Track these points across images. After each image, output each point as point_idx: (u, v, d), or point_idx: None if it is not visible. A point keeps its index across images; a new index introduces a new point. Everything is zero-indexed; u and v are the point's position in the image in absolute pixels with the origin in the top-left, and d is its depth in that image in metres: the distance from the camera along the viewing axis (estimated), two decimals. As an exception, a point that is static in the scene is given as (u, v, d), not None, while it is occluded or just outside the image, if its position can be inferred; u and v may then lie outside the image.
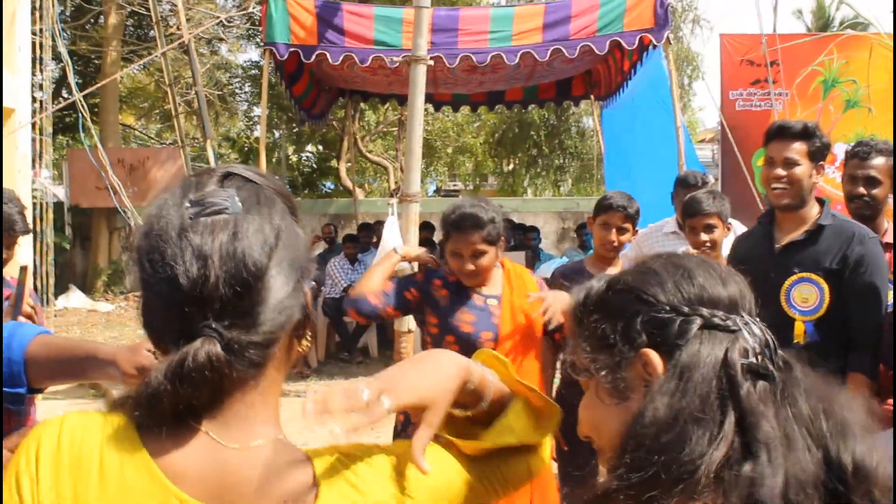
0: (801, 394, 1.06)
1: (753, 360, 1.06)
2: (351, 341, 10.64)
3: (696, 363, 1.05)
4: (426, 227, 11.13)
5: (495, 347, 3.33)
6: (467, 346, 3.34)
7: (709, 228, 4.13)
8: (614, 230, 4.01)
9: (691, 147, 10.17)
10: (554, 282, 4.16)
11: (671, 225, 5.39)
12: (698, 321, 1.08)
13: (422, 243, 8.52)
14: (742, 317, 1.10)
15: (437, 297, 3.46)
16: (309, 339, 1.21)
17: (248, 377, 1.09)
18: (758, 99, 10.50)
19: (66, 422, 1.10)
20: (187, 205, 1.11)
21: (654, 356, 1.09)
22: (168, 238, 1.08)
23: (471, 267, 3.35)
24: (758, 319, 1.12)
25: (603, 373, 1.15)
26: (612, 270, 3.99)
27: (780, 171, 3.47)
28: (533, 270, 9.96)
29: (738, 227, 5.40)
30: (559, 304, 3.27)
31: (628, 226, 4.03)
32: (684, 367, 1.06)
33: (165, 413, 1.05)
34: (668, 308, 1.11)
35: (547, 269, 9.47)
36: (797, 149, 3.45)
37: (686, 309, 1.10)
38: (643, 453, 1.01)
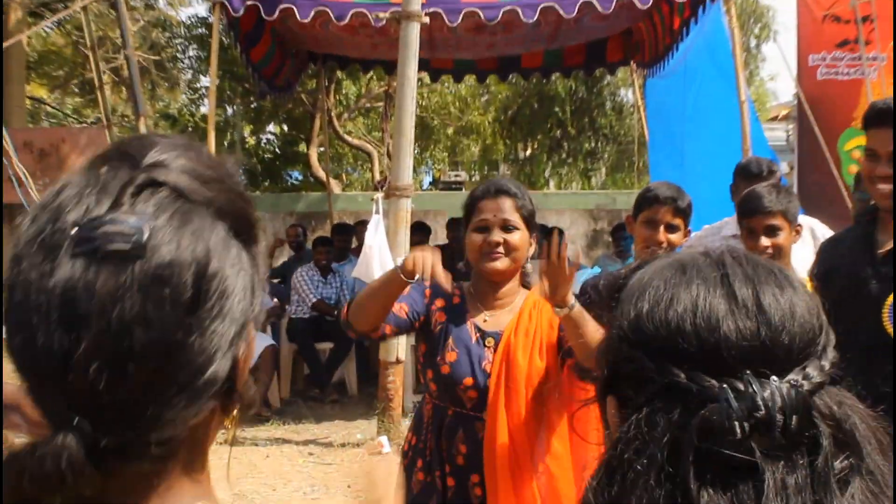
0: (829, 487, 1.01)
1: (731, 443, 1.00)
2: (323, 374, 10.62)
3: (635, 442, 1.04)
4: (419, 230, 11.12)
5: (476, 397, 3.33)
6: (446, 391, 3.39)
7: (771, 231, 4.10)
8: (661, 228, 3.99)
9: (759, 127, 10.17)
10: (582, 297, 4.14)
11: (732, 226, 5.37)
12: (658, 383, 1.06)
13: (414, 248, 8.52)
14: (733, 378, 1.03)
15: (432, 320, 3.48)
16: (234, 418, 1.10)
17: (141, 473, 1.00)
18: (845, 65, 10.51)
19: None
20: (73, 231, 0.96)
21: (611, 409, 1.12)
22: (33, 278, 0.95)
23: (498, 238, 3.36)
24: (764, 380, 1.03)
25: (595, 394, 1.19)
26: None
27: (887, 169, 3.44)
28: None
29: (819, 230, 5.40)
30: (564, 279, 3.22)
31: (678, 222, 4.01)
32: (624, 442, 1.05)
33: None
34: (627, 355, 1.10)
35: (574, 282, 9.48)
36: None
37: (646, 362, 1.07)
38: None
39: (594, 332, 3.15)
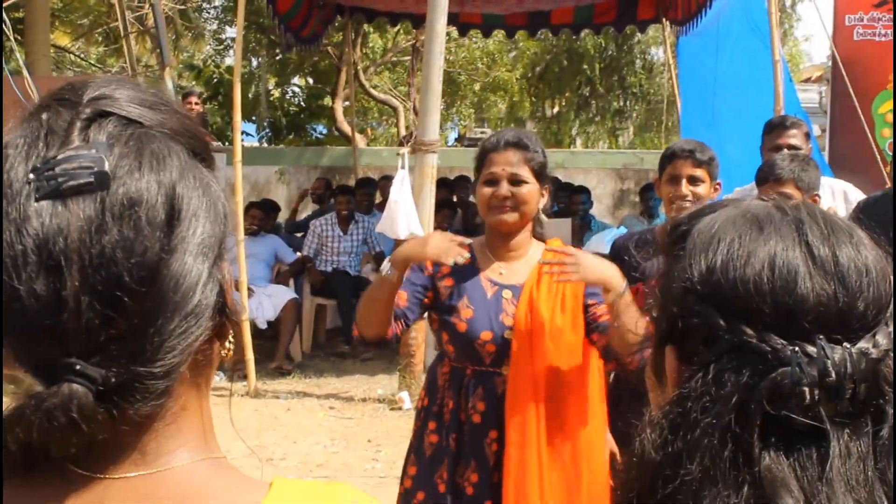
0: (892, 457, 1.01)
1: (799, 407, 0.99)
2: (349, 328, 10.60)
3: (709, 398, 1.02)
4: (445, 186, 11.12)
5: (494, 350, 3.33)
6: (464, 349, 3.39)
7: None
8: (684, 181, 3.97)
9: (792, 88, 10.09)
10: (617, 255, 4.13)
11: (765, 189, 5.37)
12: (728, 342, 1.04)
13: (439, 205, 8.51)
14: (805, 341, 1.01)
15: (440, 290, 3.48)
16: (232, 339, 1.10)
17: (147, 411, 0.98)
18: (882, 26, 10.38)
19: None
20: (30, 175, 0.94)
21: (672, 362, 1.11)
22: (4, 236, 0.93)
23: (506, 191, 3.36)
24: (838, 346, 1.02)
25: (654, 345, 1.17)
26: None
27: None
28: (582, 242, 10.00)
29: (853, 193, 5.38)
30: (589, 267, 3.21)
31: (701, 173, 3.98)
32: (693, 398, 1.04)
33: (18, 462, 0.96)
34: (696, 310, 1.07)
35: (599, 241, 9.47)
36: None
37: (716, 318, 1.05)
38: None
39: (636, 320, 3.09)
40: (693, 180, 3.98)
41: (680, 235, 1.16)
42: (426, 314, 3.57)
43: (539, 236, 3.55)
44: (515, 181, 3.38)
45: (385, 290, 3.34)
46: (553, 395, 3.32)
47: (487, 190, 3.41)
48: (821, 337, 1.01)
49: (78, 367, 0.92)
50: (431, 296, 3.49)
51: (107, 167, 0.94)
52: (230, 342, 1.09)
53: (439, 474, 3.38)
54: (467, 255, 3.34)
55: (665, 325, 1.13)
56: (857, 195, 5.37)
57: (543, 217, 3.56)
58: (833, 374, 0.99)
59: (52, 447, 0.93)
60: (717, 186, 4.08)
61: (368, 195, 11.59)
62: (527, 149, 3.41)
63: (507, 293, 3.42)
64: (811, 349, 1.00)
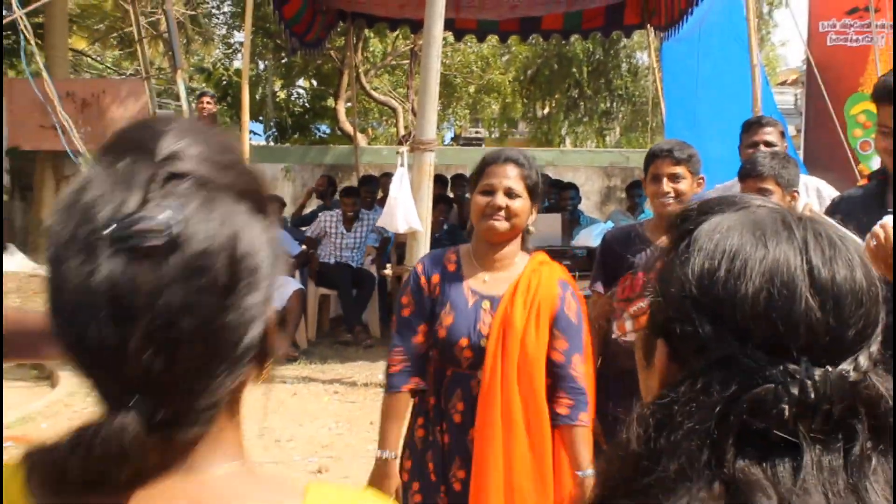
0: (863, 472, 1.01)
1: (777, 422, 1.00)
2: (354, 316, 10.62)
3: (690, 406, 1.03)
4: (441, 182, 11.13)
5: (472, 356, 3.37)
6: (445, 353, 3.43)
7: (762, 194, 4.08)
8: (664, 179, 3.99)
9: (769, 90, 10.11)
10: (605, 248, 4.15)
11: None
12: (717, 354, 1.04)
13: (436, 200, 8.53)
14: (791, 361, 1.02)
15: (432, 296, 3.51)
16: (269, 366, 1.13)
17: (190, 435, 1.03)
18: (854, 32, 10.40)
19: None
20: (107, 229, 0.96)
21: (661, 354, 1.11)
22: (74, 278, 0.96)
23: (501, 202, 3.38)
24: (819, 368, 1.02)
25: (647, 326, 1.17)
26: None
27: None
28: (571, 236, 10.02)
29: (826, 190, 5.38)
30: None
31: (681, 170, 3.99)
32: (676, 403, 1.04)
33: (69, 488, 0.98)
34: (691, 318, 1.07)
35: (587, 234, 9.48)
36: None
37: (709, 329, 1.05)
38: (619, 494, 1.05)
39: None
40: (674, 178, 3.99)
41: (686, 231, 1.15)
42: None
43: (527, 249, 3.56)
44: (510, 194, 3.40)
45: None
46: (522, 400, 3.35)
47: (483, 199, 3.42)
48: (805, 359, 1.01)
49: (132, 402, 0.96)
50: (431, 310, 3.51)
51: (177, 230, 0.96)
52: (267, 369, 1.12)
53: (426, 464, 3.46)
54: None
55: (660, 320, 1.12)
56: (830, 192, 5.38)
57: (532, 228, 3.57)
58: (812, 395, 1.00)
59: (108, 472, 0.96)
60: (701, 181, 4.09)
61: (371, 192, 11.59)
62: (524, 166, 3.44)
63: (485, 304, 3.43)
64: (794, 368, 1.00)
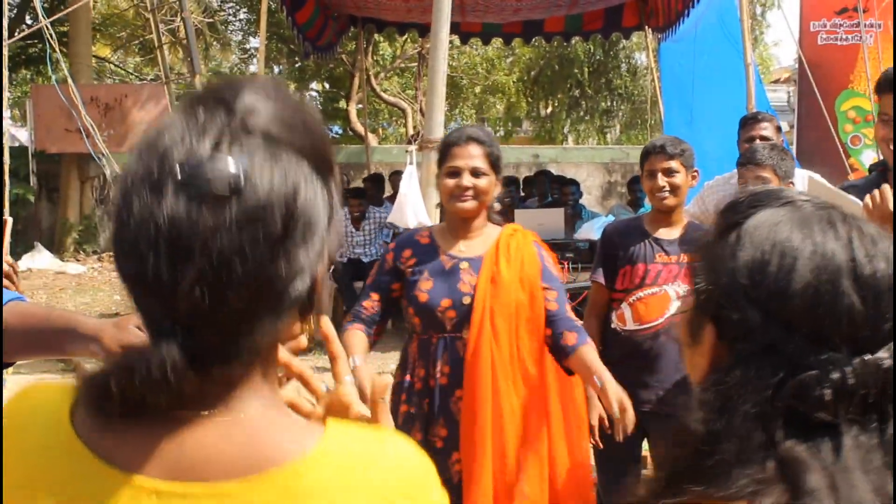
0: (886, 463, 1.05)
1: (818, 405, 1.04)
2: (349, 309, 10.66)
3: (743, 390, 1.07)
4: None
5: (455, 317, 3.40)
6: (428, 319, 3.45)
7: (759, 183, 4.08)
8: (659, 174, 3.98)
9: (762, 88, 10.06)
10: (606, 240, 4.14)
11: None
12: (764, 342, 1.07)
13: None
14: (832, 350, 1.06)
15: (404, 269, 3.54)
16: (313, 322, 1.16)
17: (228, 372, 1.05)
18: (844, 31, 10.37)
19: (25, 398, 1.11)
20: (177, 171, 0.99)
21: (710, 337, 1.14)
22: (140, 215, 0.99)
23: (468, 182, 3.43)
24: (857, 357, 1.06)
25: (693, 304, 1.19)
26: (674, 231, 3.97)
27: None
28: (574, 230, 10.00)
29: (817, 180, 5.36)
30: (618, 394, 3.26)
31: (675, 164, 3.97)
32: (731, 386, 1.08)
33: (115, 411, 1.02)
34: (741, 307, 1.09)
35: (589, 228, 9.45)
36: None
37: (758, 319, 1.08)
38: (684, 474, 1.07)
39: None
40: (668, 172, 3.97)
41: (734, 223, 1.17)
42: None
43: (496, 221, 3.62)
44: (476, 173, 3.45)
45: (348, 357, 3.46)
46: (505, 356, 3.39)
47: (451, 181, 3.47)
48: (845, 348, 1.05)
49: (178, 333, 0.99)
50: (399, 286, 3.55)
51: (241, 180, 0.99)
52: (311, 323, 1.16)
53: (412, 436, 3.37)
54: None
55: (709, 303, 1.14)
56: (824, 183, 5.37)
57: (496, 205, 3.61)
58: (851, 381, 1.03)
59: (148, 396, 0.99)
60: (695, 174, 4.08)
61: (377, 189, 11.61)
62: (485, 144, 3.48)
63: (464, 265, 3.48)
64: (836, 357, 1.04)
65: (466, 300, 3.41)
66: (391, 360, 9.14)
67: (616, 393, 3.22)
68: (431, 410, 3.43)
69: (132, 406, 1.01)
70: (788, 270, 1.08)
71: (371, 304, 3.55)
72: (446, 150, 3.54)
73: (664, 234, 3.99)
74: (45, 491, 1.04)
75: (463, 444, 3.35)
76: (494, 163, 3.49)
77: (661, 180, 3.95)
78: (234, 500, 1.02)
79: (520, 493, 3.38)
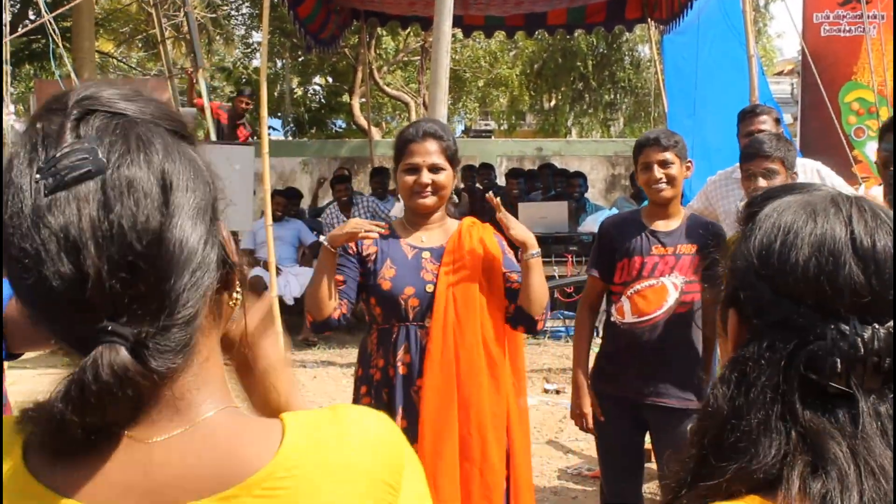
0: None
1: (831, 375, 1.08)
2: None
3: (759, 362, 1.11)
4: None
5: (418, 305, 3.42)
6: (390, 307, 3.46)
7: (769, 174, 4.07)
8: (655, 166, 3.97)
9: (765, 81, 10.05)
10: (603, 234, 4.14)
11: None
12: (776, 316, 1.12)
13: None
14: (841, 321, 1.10)
15: (367, 260, 3.55)
16: (238, 289, 1.13)
17: (174, 367, 1.02)
18: (847, 23, 10.33)
19: None
20: (36, 176, 0.98)
21: (732, 323, 1.18)
22: (22, 230, 0.97)
23: (426, 179, 3.46)
24: (866, 326, 1.10)
25: (721, 301, 1.25)
26: (672, 223, 3.96)
27: None
28: (577, 223, 10.00)
29: (825, 171, 5.37)
30: (515, 225, 3.46)
31: (669, 156, 3.97)
32: (752, 361, 1.12)
33: (77, 437, 0.99)
34: (753, 285, 1.15)
35: (593, 221, 9.46)
36: None
37: (768, 294, 1.13)
38: (714, 452, 1.11)
39: (542, 285, 3.46)
40: (664, 164, 3.97)
41: (751, 214, 1.24)
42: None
43: (452, 215, 3.67)
44: (434, 169, 3.48)
45: (325, 261, 3.46)
46: (470, 344, 3.42)
47: (409, 178, 3.50)
48: (853, 317, 1.09)
49: (110, 328, 0.96)
50: (363, 272, 3.55)
51: (101, 155, 0.98)
52: (237, 293, 1.13)
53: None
54: (382, 229, 3.50)
55: (729, 289, 1.21)
56: (828, 172, 5.37)
57: (455, 198, 3.64)
58: (861, 350, 1.07)
59: (106, 410, 0.96)
60: (689, 164, 4.08)
61: (382, 182, 11.58)
62: (442, 139, 3.52)
63: (426, 254, 3.51)
64: (845, 328, 1.09)
65: (430, 288, 3.44)
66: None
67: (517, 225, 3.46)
68: (391, 400, 3.42)
69: (91, 432, 0.98)
70: (791, 246, 1.14)
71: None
72: (403, 146, 3.56)
73: (661, 226, 3.99)
74: None
75: (425, 433, 3.35)
76: (451, 157, 3.54)
77: (658, 172, 3.95)
78: None
79: (482, 482, 3.41)
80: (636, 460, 4.13)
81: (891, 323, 1.10)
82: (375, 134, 19.52)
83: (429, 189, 3.48)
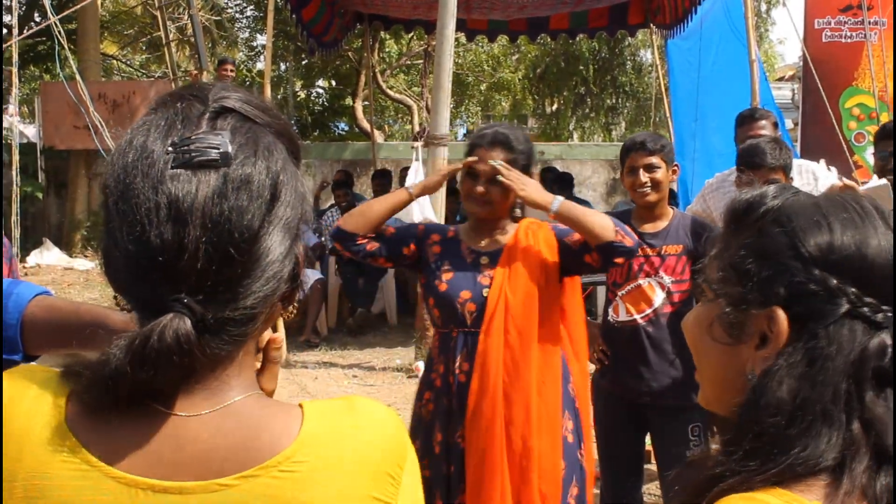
0: None
1: (891, 362, 1.10)
2: (363, 304, 10.60)
3: (831, 353, 1.11)
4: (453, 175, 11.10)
5: (475, 310, 3.34)
6: (447, 310, 3.40)
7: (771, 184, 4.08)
8: (640, 170, 3.97)
9: (767, 86, 10.06)
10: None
11: (739, 173, 5.36)
12: (845, 306, 1.12)
13: (449, 191, 8.53)
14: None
15: (428, 254, 3.50)
16: (295, 305, 1.22)
17: (222, 353, 1.09)
18: (848, 29, 10.35)
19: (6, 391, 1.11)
20: (168, 148, 1.07)
21: (783, 321, 1.16)
22: (140, 189, 1.05)
23: (482, 189, 3.37)
24: None
25: (726, 306, 1.22)
26: (661, 224, 3.97)
27: None
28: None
29: (821, 172, 5.37)
30: (529, 186, 3.39)
31: (656, 160, 3.95)
32: (818, 353, 1.12)
33: (121, 397, 1.04)
34: (818, 278, 1.14)
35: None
36: None
37: (835, 284, 1.13)
38: (766, 444, 1.10)
39: (589, 212, 3.38)
40: (649, 168, 3.97)
41: (761, 214, 1.23)
42: (401, 263, 3.63)
43: (514, 218, 3.55)
44: (494, 179, 3.37)
45: (392, 197, 3.50)
46: (523, 350, 3.31)
47: (469, 183, 3.43)
48: None
49: (186, 300, 1.04)
50: (414, 250, 3.51)
51: (229, 150, 1.08)
52: (294, 306, 1.22)
53: (434, 438, 3.36)
54: (471, 159, 3.44)
55: (770, 289, 1.18)
56: (825, 173, 5.38)
57: (518, 211, 3.58)
58: None
59: (158, 371, 1.03)
60: (676, 169, 4.09)
61: (384, 185, 11.59)
62: (512, 150, 3.40)
63: (484, 259, 3.44)
64: None
65: (486, 293, 3.35)
66: (397, 355, 9.18)
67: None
68: (451, 409, 3.35)
69: (133, 397, 1.04)
70: (857, 241, 1.14)
71: (372, 245, 3.50)
72: (472, 147, 3.47)
73: (649, 227, 4.01)
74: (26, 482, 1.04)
75: (472, 441, 3.26)
76: (521, 170, 3.41)
77: (643, 176, 3.96)
78: (237, 493, 1.05)
79: (537, 492, 3.28)
80: (636, 461, 4.13)
81: None
82: (378, 137, 19.51)
83: (483, 199, 3.40)
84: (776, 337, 1.16)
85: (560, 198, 3.38)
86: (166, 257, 1.04)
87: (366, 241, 3.44)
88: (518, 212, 3.58)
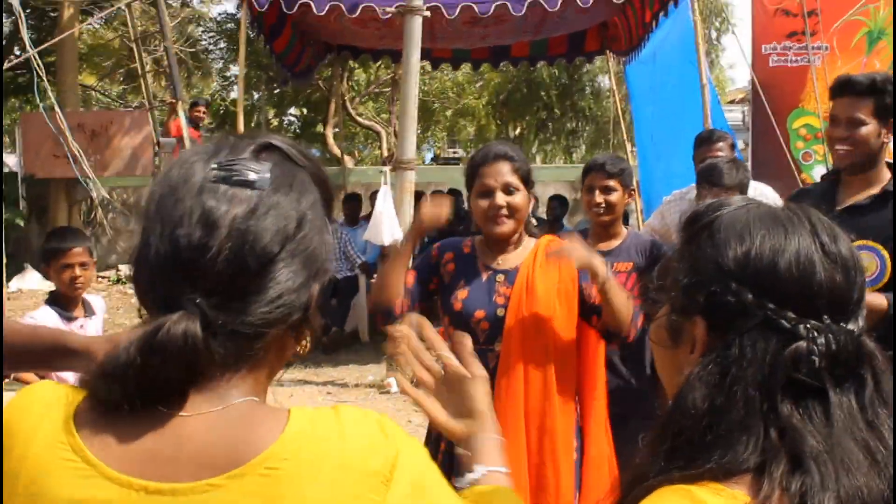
0: (877, 412, 1.12)
1: (808, 371, 1.11)
2: (337, 323, 10.55)
3: (742, 363, 1.12)
4: (419, 199, 11.10)
5: (488, 328, 3.24)
6: (462, 328, 3.24)
7: None
8: (597, 191, 3.98)
9: (719, 108, 10.15)
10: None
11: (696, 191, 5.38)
12: (758, 318, 1.13)
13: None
14: (816, 320, 1.13)
15: (443, 274, 3.40)
16: (307, 341, 1.26)
17: (229, 364, 1.12)
18: (793, 53, 10.46)
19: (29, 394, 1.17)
20: (214, 166, 1.15)
21: (702, 330, 1.18)
22: (182, 193, 1.13)
23: (501, 201, 3.26)
24: (836, 325, 1.13)
25: (671, 311, 1.25)
26: (614, 242, 3.97)
27: (844, 132, 3.50)
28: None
29: (770, 194, 5.41)
30: (579, 252, 3.16)
31: (613, 183, 3.96)
32: (730, 362, 1.13)
33: (130, 393, 1.07)
34: (733, 290, 1.15)
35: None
36: (863, 106, 3.46)
37: (748, 297, 1.14)
38: (685, 445, 1.12)
39: (625, 302, 3.21)
40: (606, 190, 3.98)
41: (702, 227, 1.24)
42: (433, 301, 3.46)
43: (532, 234, 3.45)
44: (508, 190, 3.28)
45: (396, 260, 3.33)
46: (541, 368, 3.22)
47: (484, 202, 3.29)
48: (826, 317, 1.13)
49: (198, 300, 1.08)
50: (436, 281, 3.40)
51: (267, 176, 1.15)
52: (306, 342, 1.26)
53: (439, 447, 3.24)
54: (447, 210, 3.34)
55: (695, 299, 1.20)
56: (775, 196, 5.42)
57: (532, 219, 3.52)
58: (835, 347, 1.11)
59: (165, 363, 1.06)
60: (632, 193, 4.12)
61: (353, 209, 11.56)
62: (513, 159, 3.31)
63: (500, 277, 3.32)
64: (819, 325, 1.12)
65: (501, 312, 3.25)
66: (369, 371, 9.13)
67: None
68: None
69: (142, 391, 1.07)
70: (772, 252, 1.15)
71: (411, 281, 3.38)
72: (474, 171, 3.36)
73: (603, 246, 4.01)
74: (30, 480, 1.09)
75: None
76: (525, 177, 3.33)
77: (599, 197, 3.98)
78: (225, 493, 1.07)
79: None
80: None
81: (851, 324, 1.14)
82: (348, 162, 19.53)
83: (504, 212, 3.26)
84: (698, 345, 1.19)
85: (612, 274, 3.24)
86: (190, 255, 1.09)
87: (398, 305, 3.31)
88: (534, 221, 3.52)
